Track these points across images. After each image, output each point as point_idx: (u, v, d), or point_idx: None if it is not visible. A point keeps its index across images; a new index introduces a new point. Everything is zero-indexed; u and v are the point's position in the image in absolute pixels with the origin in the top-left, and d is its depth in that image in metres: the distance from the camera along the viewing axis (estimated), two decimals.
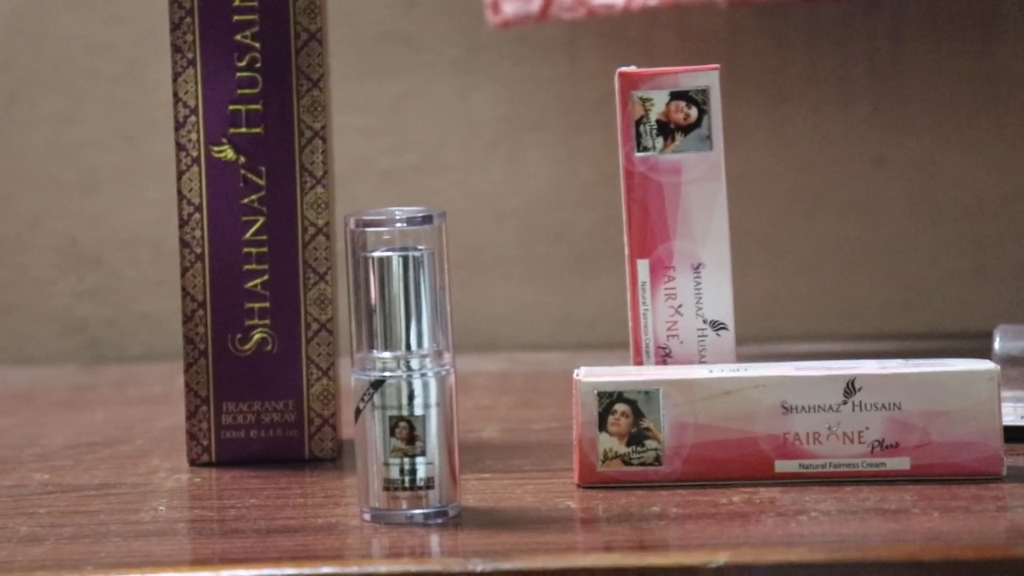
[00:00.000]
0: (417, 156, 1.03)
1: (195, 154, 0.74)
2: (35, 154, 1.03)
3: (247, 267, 0.75)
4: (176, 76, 0.74)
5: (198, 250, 0.75)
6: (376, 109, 1.03)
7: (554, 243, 1.03)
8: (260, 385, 0.75)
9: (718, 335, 0.72)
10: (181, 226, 0.75)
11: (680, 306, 0.72)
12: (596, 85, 1.01)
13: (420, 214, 0.66)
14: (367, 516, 0.66)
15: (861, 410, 0.68)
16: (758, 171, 1.02)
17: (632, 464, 0.69)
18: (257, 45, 0.74)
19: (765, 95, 1.02)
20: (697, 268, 0.72)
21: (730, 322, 0.72)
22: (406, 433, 0.65)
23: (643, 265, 0.72)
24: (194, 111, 0.74)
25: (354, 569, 0.61)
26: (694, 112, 0.72)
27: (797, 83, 1.02)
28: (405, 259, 0.65)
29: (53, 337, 1.03)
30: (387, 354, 0.65)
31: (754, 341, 0.99)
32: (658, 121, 0.72)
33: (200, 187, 0.75)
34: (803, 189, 1.03)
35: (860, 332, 1.02)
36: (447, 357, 0.66)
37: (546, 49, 1.02)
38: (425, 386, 0.65)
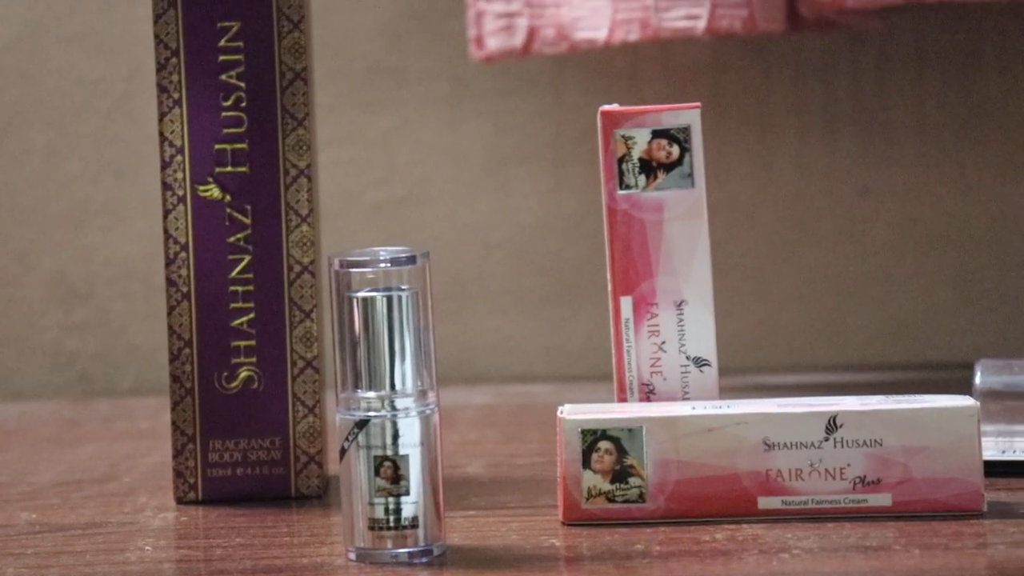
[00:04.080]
0: (404, 189, 1.04)
1: (181, 193, 0.75)
2: (25, 188, 1.04)
3: (233, 305, 0.75)
4: (162, 116, 0.75)
5: (184, 289, 0.75)
6: (364, 143, 1.03)
7: (541, 275, 1.04)
8: (246, 423, 0.75)
9: (701, 372, 0.73)
10: (167, 265, 0.75)
11: (663, 343, 0.73)
12: (581, 118, 1.02)
13: (404, 254, 0.66)
14: (352, 556, 0.66)
15: (843, 447, 0.69)
16: (743, 202, 1.03)
17: (616, 501, 0.69)
18: (243, 85, 0.75)
19: (750, 127, 1.03)
20: (680, 305, 0.73)
21: (713, 359, 0.73)
22: (391, 472, 0.66)
23: (626, 302, 0.73)
24: (180, 150, 0.75)
25: None
26: (676, 150, 0.72)
27: (782, 114, 1.03)
28: (389, 299, 0.66)
29: (43, 371, 1.04)
30: (371, 394, 0.66)
31: (740, 372, 0.99)
32: (640, 159, 0.72)
33: (186, 226, 0.75)
34: (788, 220, 1.03)
35: (845, 362, 1.03)
36: (431, 396, 0.66)
37: (532, 83, 1.03)
38: (409, 426, 0.66)
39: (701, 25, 0.93)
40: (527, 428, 0.89)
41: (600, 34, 0.95)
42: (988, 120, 1.03)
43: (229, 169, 0.75)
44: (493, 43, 0.97)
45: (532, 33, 0.96)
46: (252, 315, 0.75)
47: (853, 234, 1.03)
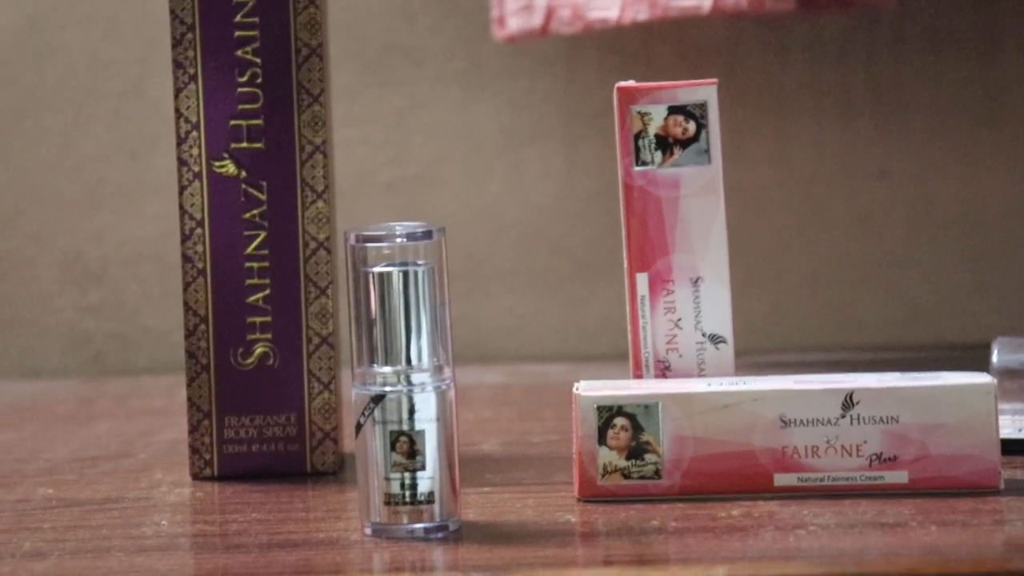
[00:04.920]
0: (419, 169, 1.03)
1: (197, 169, 0.75)
2: (40, 169, 1.04)
3: (249, 281, 0.75)
4: (178, 92, 0.75)
5: (200, 265, 0.75)
6: (378, 122, 1.03)
7: (555, 255, 1.03)
8: (262, 399, 0.75)
9: (717, 348, 0.72)
10: (183, 241, 0.75)
11: (679, 320, 0.72)
12: (596, 98, 1.02)
13: (420, 229, 0.66)
14: (368, 531, 0.66)
15: (859, 423, 0.68)
16: (759, 184, 1.03)
17: (632, 478, 0.69)
18: (258, 60, 0.75)
19: (766, 108, 1.03)
20: (696, 282, 0.72)
21: (729, 335, 0.73)
22: (407, 448, 0.66)
23: (642, 279, 0.73)
24: (196, 126, 0.75)
25: None
26: (692, 126, 0.72)
27: (798, 96, 1.03)
28: (405, 274, 0.66)
29: (58, 351, 1.04)
30: (387, 369, 0.66)
31: (755, 353, 0.99)
32: (656, 135, 0.72)
33: (202, 202, 0.75)
34: (804, 202, 1.03)
35: (861, 344, 1.03)
36: (447, 371, 0.66)
37: (546, 62, 1.03)
38: (425, 401, 0.66)
39: (707, 4, 0.93)
40: (542, 407, 0.89)
41: (612, 14, 0.95)
42: (1005, 103, 1.02)
43: (245, 145, 0.75)
44: (515, 23, 0.97)
45: (550, 13, 0.96)
46: (268, 291, 0.75)
47: (868, 216, 1.03)
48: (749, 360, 0.93)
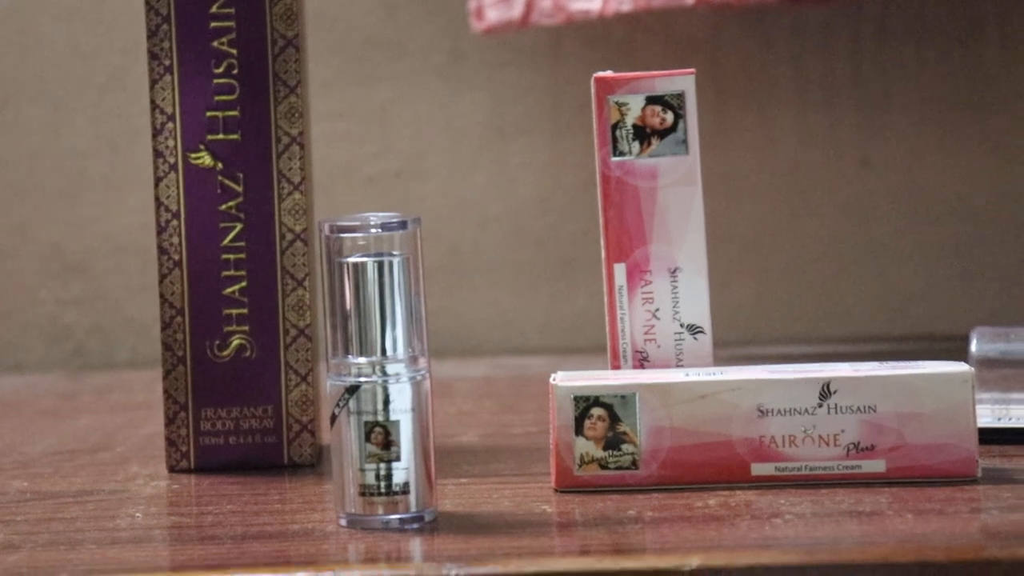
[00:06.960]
0: (401, 162, 1.03)
1: (172, 160, 0.75)
2: (21, 161, 1.03)
3: (225, 273, 0.75)
4: (153, 83, 0.75)
5: (176, 257, 0.75)
6: (360, 115, 1.03)
7: (538, 248, 1.03)
8: (239, 391, 0.75)
9: (695, 339, 0.72)
10: (159, 233, 0.75)
11: (657, 310, 0.72)
12: (579, 90, 1.01)
13: (395, 220, 0.66)
14: (343, 522, 0.66)
15: (836, 413, 0.68)
16: (742, 173, 1.03)
17: (609, 468, 0.69)
18: (234, 51, 0.74)
19: (749, 98, 1.02)
20: (674, 272, 0.72)
21: (707, 326, 0.72)
22: (382, 438, 0.65)
23: (620, 269, 0.72)
24: (171, 118, 0.75)
25: (328, 575, 0.61)
26: (670, 116, 0.72)
27: (781, 86, 1.02)
28: (380, 264, 0.66)
29: (39, 345, 1.04)
30: (362, 359, 0.66)
31: (738, 344, 0.99)
32: (634, 125, 0.72)
33: (178, 194, 0.75)
34: (787, 191, 1.03)
35: (844, 335, 1.02)
36: (422, 362, 0.66)
37: (529, 54, 1.02)
38: (400, 391, 0.65)
39: None
40: (523, 399, 0.89)
41: (594, 5, 0.95)
42: (988, 92, 1.02)
43: (221, 136, 0.75)
44: (493, 15, 0.96)
45: (530, 4, 0.96)
46: (244, 283, 0.75)
47: (852, 206, 1.03)
48: (730, 353, 0.93)
